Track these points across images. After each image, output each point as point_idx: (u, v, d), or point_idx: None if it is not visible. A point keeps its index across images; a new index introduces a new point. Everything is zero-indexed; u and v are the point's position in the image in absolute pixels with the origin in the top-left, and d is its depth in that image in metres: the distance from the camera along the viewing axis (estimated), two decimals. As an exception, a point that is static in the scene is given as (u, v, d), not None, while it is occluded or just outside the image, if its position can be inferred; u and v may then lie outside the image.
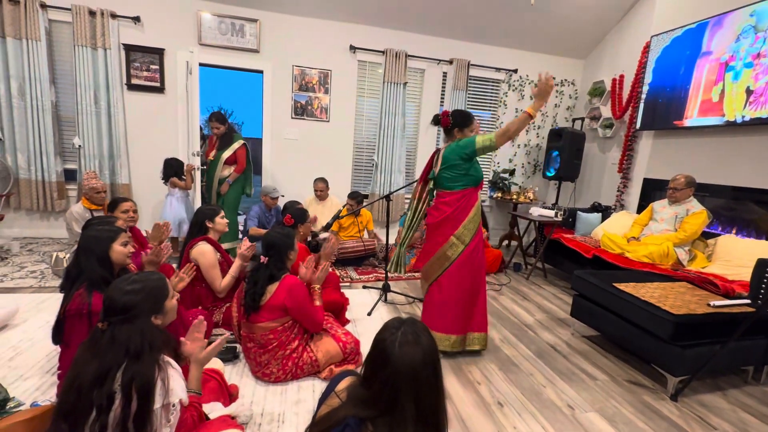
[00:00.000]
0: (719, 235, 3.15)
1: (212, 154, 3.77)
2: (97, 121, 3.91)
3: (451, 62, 4.70)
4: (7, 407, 1.46)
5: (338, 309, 2.55)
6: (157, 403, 1.07)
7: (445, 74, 4.80)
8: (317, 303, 2.06)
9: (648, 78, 3.89)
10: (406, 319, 0.95)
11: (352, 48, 4.45)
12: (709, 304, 2.14)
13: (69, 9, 3.70)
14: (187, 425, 1.21)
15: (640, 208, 3.94)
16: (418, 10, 4.31)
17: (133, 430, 1.03)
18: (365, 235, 4.11)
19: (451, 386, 2.03)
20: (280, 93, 4.41)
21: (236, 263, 2.35)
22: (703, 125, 3.39)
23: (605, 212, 4.14)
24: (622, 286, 2.38)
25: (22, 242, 3.85)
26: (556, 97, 5.20)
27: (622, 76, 4.42)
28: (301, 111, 4.50)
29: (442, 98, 4.87)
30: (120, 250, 1.66)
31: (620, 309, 2.30)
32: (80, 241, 1.66)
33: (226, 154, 3.69)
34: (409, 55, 4.55)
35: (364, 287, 3.33)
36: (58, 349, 1.74)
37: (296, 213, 2.64)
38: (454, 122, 2.24)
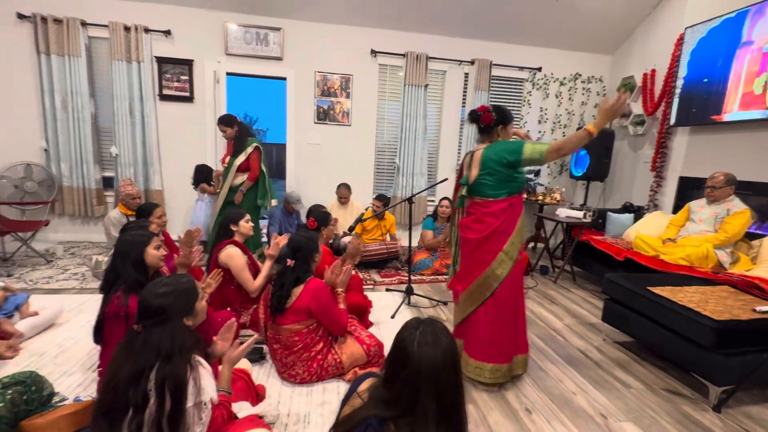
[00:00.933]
0: (765, 236, 2.95)
1: (227, 160, 3.50)
2: (132, 130, 4.11)
3: (472, 63, 4.65)
4: (53, 401, 1.55)
5: (362, 312, 2.56)
6: (189, 402, 1.11)
7: (466, 75, 4.76)
8: (341, 306, 2.08)
9: (682, 71, 3.71)
10: (425, 319, 0.95)
11: (373, 52, 4.49)
12: (754, 310, 2.01)
13: (106, 26, 3.92)
14: (217, 423, 1.24)
15: (676, 209, 3.75)
16: (438, 11, 4.29)
17: (168, 429, 1.06)
18: (388, 238, 4.12)
19: (476, 391, 2.00)
20: (303, 99, 4.50)
21: (267, 263, 2.41)
22: (744, 119, 3.20)
23: (638, 213, 3.97)
24: (657, 290, 2.27)
25: (66, 246, 4.08)
26: (583, 94, 5.05)
27: (653, 71, 4.24)
28: (323, 116, 4.57)
29: (464, 99, 4.83)
30: (153, 253, 1.73)
31: (656, 314, 2.20)
32: (116, 246, 1.75)
33: (239, 160, 3.39)
34: (430, 57, 4.54)
35: (388, 290, 3.33)
36: (98, 347, 1.83)
37: (319, 216, 2.67)
38: (498, 119, 1.95)
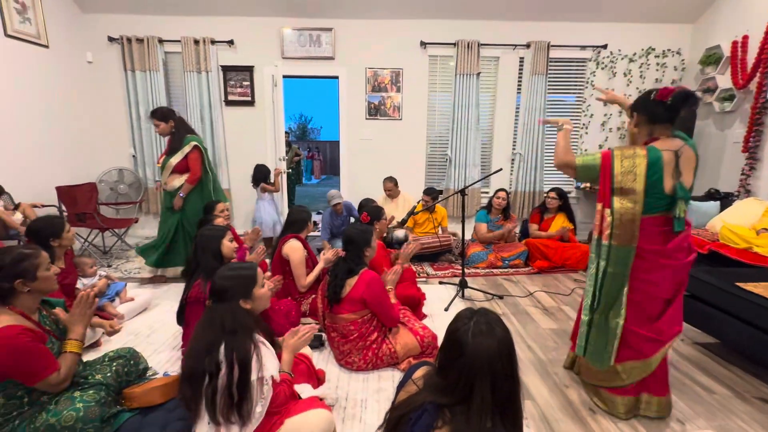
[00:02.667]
0: None
1: (161, 159, 3.09)
2: (202, 135, 4.50)
3: (528, 46, 4.42)
4: (147, 375, 1.78)
5: (415, 304, 2.59)
6: (253, 375, 1.23)
7: (521, 60, 4.53)
8: (392, 300, 2.13)
9: (783, 35, 3.20)
10: (479, 310, 0.95)
11: (423, 44, 4.44)
12: None
13: (179, 41, 4.33)
14: (279, 399, 1.35)
15: (775, 194, 3.27)
16: (490, -5, 4.13)
17: (237, 395, 1.21)
18: (440, 231, 4.09)
19: (534, 387, 1.94)
20: (355, 96, 4.60)
21: (320, 265, 2.53)
22: None
23: (725, 200, 3.53)
24: (749, 287, 2.01)
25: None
26: (657, 70, 4.56)
27: (745, 38, 3.70)
28: (374, 111, 4.64)
29: (519, 85, 4.60)
30: (228, 245, 1.98)
31: (747, 313, 1.95)
32: (197, 240, 1.99)
33: (175, 159, 2.98)
34: (482, 44, 4.39)
35: (441, 283, 3.32)
36: (181, 329, 2.07)
37: (372, 211, 2.74)
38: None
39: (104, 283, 2.54)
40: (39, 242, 1.98)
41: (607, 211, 1.57)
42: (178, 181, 3.02)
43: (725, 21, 4.02)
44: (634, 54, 4.52)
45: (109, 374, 1.55)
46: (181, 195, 3.01)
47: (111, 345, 2.21)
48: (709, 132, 4.21)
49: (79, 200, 4.00)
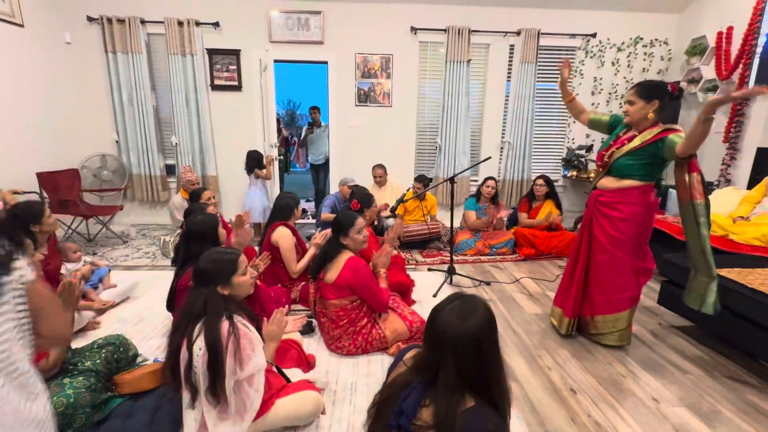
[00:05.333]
0: None
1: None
2: (189, 120, 4.41)
3: (518, 33, 4.41)
4: (137, 361, 1.79)
5: (404, 290, 2.62)
6: (230, 358, 1.25)
7: (512, 47, 4.52)
8: (383, 285, 2.15)
9: (766, 28, 3.26)
10: (467, 295, 0.97)
11: (413, 29, 4.39)
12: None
13: (162, 22, 4.18)
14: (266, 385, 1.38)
15: (752, 183, 3.37)
16: (481, -19, 4.08)
17: (209, 378, 1.23)
18: (429, 219, 4.13)
19: (519, 369, 2.00)
20: (344, 82, 4.54)
21: (311, 250, 2.54)
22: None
23: (705, 189, 3.62)
24: (724, 272, 2.09)
25: (138, 228, 4.54)
26: (644, 60, 4.60)
27: (730, 29, 3.76)
28: (364, 98, 4.60)
29: (509, 73, 4.61)
30: (222, 232, 2.00)
31: (721, 298, 2.04)
32: (191, 227, 1.97)
33: None
34: (473, 31, 4.36)
35: (430, 270, 3.37)
36: (171, 316, 2.07)
37: (362, 198, 2.74)
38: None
39: (88, 269, 2.50)
40: (20, 228, 1.94)
41: (695, 176, 1.85)
42: None
43: (711, 12, 4.07)
44: (623, 43, 4.55)
45: (98, 361, 1.55)
46: None
47: (99, 332, 2.20)
48: (692, 122, 4.29)
49: (61, 187, 3.89)
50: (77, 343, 1.72)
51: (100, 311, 2.03)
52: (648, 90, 1.93)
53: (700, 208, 1.85)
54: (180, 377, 1.25)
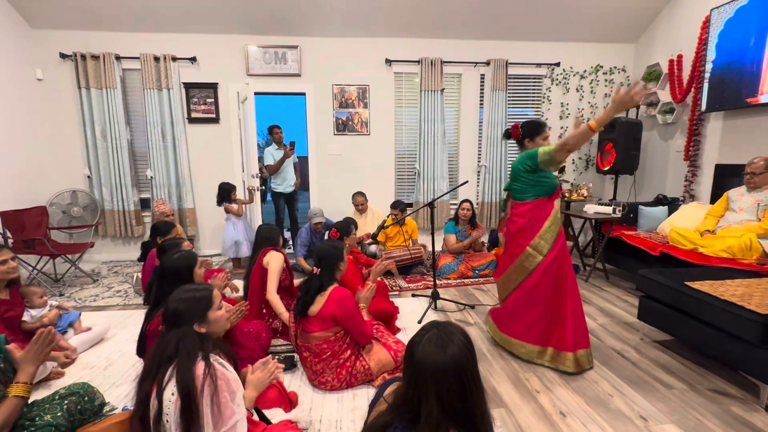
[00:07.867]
0: (816, 222, 2.75)
1: None
2: (165, 153, 4.36)
3: (488, 63, 4.63)
4: (104, 411, 1.66)
5: (388, 318, 2.58)
6: (206, 401, 1.15)
7: (482, 76, 4.74)
8: (365, 318, 2.11)
9: (711, 55, 3.54)
10: (442, 323, 0.95)
11: (388, 61, 4.55)
12: (806, 302, 1.88)
13: (138, 57, 4.20)
14: None
15: (714, 198, 3.56)
16: (449, 15, 4.31)
17: (182, 428, 1.12)
18: (410, 244, 4.13)
19: (507, 395, 1.97)
20: (322, 112, 4.62)
21: (281, 308, 2.42)
22: (783, 100, 3.01)
23: (672, 205, 3.79)
24: (696, 285, 2.16)
25: (109, 265, 4.35)
26: (606, 86, 4.90)
27: (680, 56, 4.07)
28: (342, 127, 4.67)
29: (482, 100, 4.80)
30: (199, 272, 1.86)
31: (696, 310, 2.09)
32: (166, 266, 1.81)
33: None
34: (445, 62, 4.55)
35: (414, 295, 3.34)
36: (142, 360, 1.95)
37: (340, 226, 2.73)
38: (524, 133, 2.25)
39: (55, 314, 2.36)
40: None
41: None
42: None
43: (662, 41, 4.41)
44: (585, 71, 4.84)
45: (59, 413, 1.43)
46: None
47: (63, 381, 2.04)
48: (654, 142, 4.54)
49: (27, 226, 3.72)
50: (37, 395, 1.59)
51: (66, 364, 1.87)
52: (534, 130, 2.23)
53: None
54: (149, 430, 1.16)
